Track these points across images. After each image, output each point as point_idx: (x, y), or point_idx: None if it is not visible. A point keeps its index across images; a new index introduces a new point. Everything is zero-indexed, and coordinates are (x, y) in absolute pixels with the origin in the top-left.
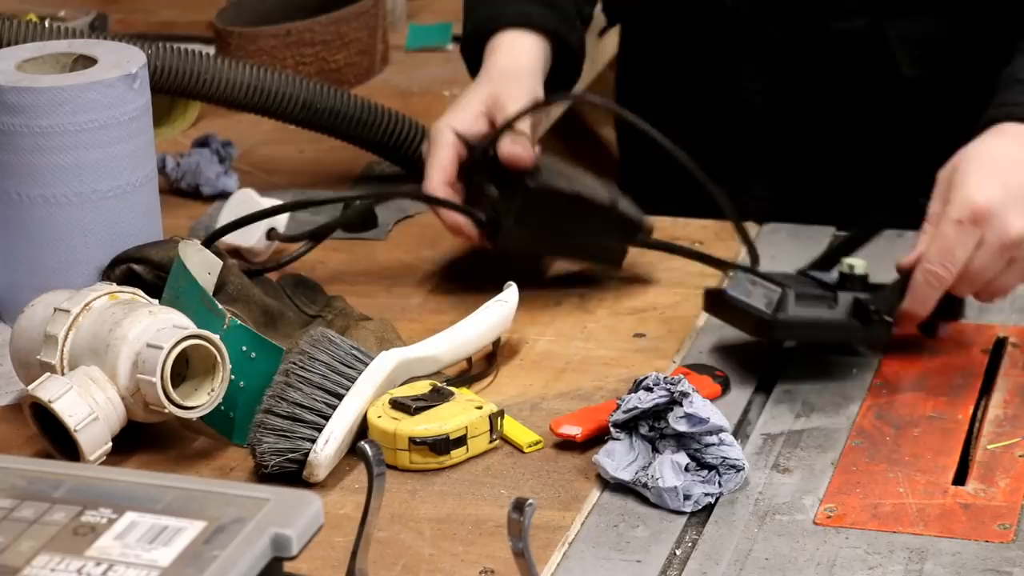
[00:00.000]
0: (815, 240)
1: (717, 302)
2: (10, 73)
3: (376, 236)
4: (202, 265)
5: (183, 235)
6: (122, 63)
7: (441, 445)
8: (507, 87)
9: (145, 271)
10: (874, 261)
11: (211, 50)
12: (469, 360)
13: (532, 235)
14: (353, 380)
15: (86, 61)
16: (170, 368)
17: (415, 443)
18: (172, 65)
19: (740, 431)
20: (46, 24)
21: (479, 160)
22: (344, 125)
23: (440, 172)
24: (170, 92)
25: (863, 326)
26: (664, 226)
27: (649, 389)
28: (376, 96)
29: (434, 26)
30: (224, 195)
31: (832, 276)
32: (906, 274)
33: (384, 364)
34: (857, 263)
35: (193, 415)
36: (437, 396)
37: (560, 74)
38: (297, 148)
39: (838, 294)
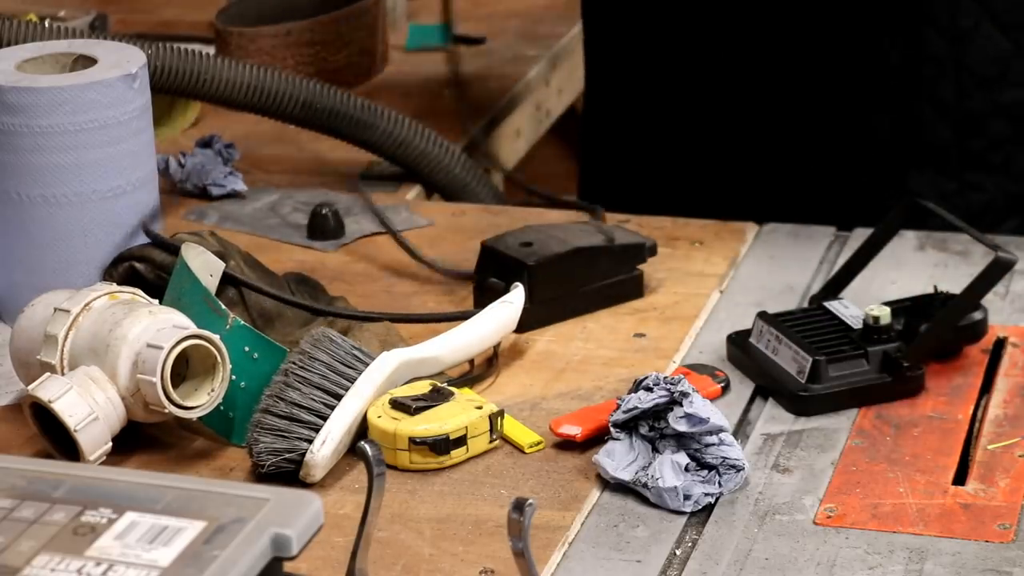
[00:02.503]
0: (815, 240)
1: (742, 354)
2: (10, 73)
3: (326, 248)
4: (204, 267)
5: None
6: (122, 63)
7: (441, 445)
8: None
9: (147, 270)
10: (874, 261)
11: (211, 50)
12: (471, 361)
13: (551, 307)
14: (353, 380)
15: (86, 61)
16: (170, 368)
17: (415, 443)
18: (172, 65)
19: (740, 431)
20: (46, 24)
21: (482, 260)
22: (343, 125)
23: None
24: (170, 92)
25: (897, 381)
26: (664, 226)
27: (649, 389)
28: (376, 96)
29: (434, 26)
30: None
31: (849, 310)
32: (936, 320)
33: (385, 365)
34: (882, 312)
35: (193, 415)
36: (437, 396)
37: None
38: (297, 148)
39: (867, 350)
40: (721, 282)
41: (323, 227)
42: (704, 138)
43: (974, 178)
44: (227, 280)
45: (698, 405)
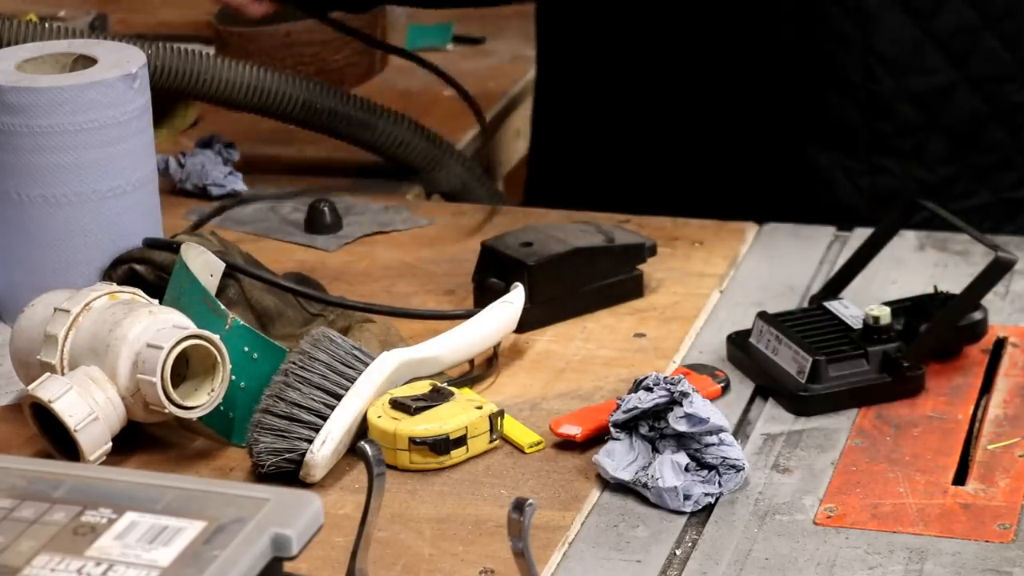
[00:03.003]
0: (815, 240)
1: (742, 354)
2: (10, 73)
3: (326, 245)
4: (204, 267)
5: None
6: (122, 63)
7: (441, 445)
8: None
9: (147, 271)
10: (874, 261)
11: (211, 50)
12: (471, 361)
13: (551, 307)
14: (353, 380)
15: (86, 61)
16: (170, 368)
17: (415, 443)
18: (172, 65)
19: (740, 431)
20: (46, 24)
21: (482, 260)
22: (343, 125)
23: None
24: (170, 92)
25: (897, 381)
26: (664, 226)
27: (649, 389)
28: (376, 96)
29: (434, 26)
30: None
31: (849, 310)
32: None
33: (385, 365)
34: (882, 312)
35: (193, 415)
36: (437, 396)
37: None
38: (297, 148)
39: (867, 350)
40: (721, 282)
41: (321, 221)
42: (620, 127)
43: (883, 162)
44: (233, 269)
45: (698, 405)
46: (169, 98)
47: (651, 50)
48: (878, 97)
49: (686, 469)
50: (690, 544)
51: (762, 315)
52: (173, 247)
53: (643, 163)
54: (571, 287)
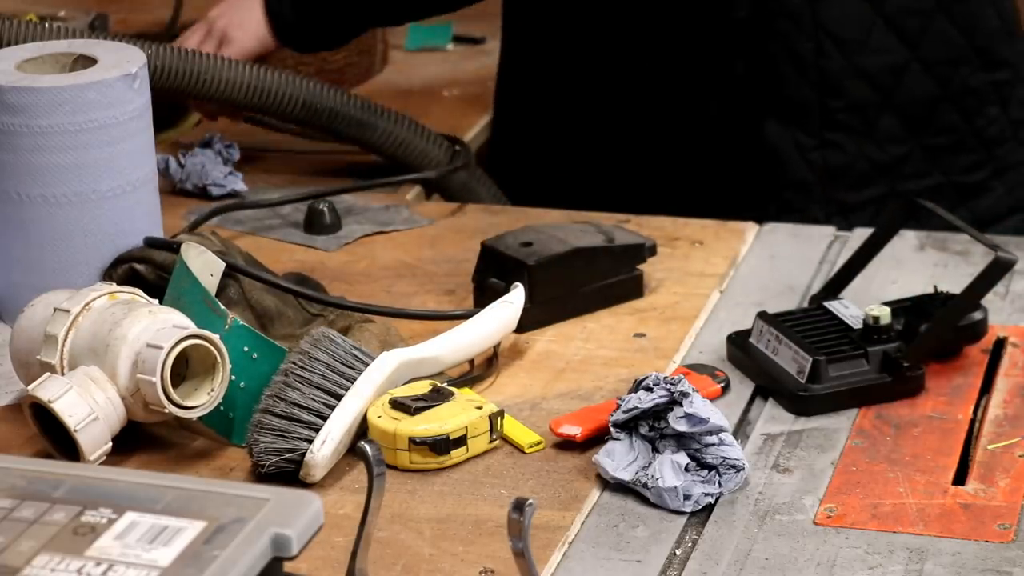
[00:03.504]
0: (815, 240)
1: (742, 354)
2: (10, 73)
3: (327, 246)
4: (204, 267)
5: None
6: (122, 63)
7: (441, 445)
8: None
9: (147, 271)
10: (874, 261)
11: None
12: (471, 361)
13: (551, 307)
14: (353, 380)
15: (86, 61)
16: (170, 368)
17: (415, 443)
18: (172, 65)
19: (740, 431)
20: (46, 24)
21: (482, 260)
22: (343, 125)
23: None
24: (170, 92)
25: (897, 381)
26: (663, 225)
27: (649, 389)
28: (376, 96)
29: (434, 26)
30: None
31: (849, 310)
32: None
33: (384, 365)
34: (882, 312)
35: (193, 415)
36: (437, 396)
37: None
38: (297, 148)
39: (867, 350)
40: (721, 282)
41: (320, 221)
42: (578, 109)
43: (835, 138)
44: (233, 269)
45: (698, 405)
46: (170, 102)
47: (608, 30)
48: (828, 74)
49: (686, 469)
50: (690, 544)
51: (762, 315)
52: (173, 247)
53: (602, 144)
54: (571, 287)
